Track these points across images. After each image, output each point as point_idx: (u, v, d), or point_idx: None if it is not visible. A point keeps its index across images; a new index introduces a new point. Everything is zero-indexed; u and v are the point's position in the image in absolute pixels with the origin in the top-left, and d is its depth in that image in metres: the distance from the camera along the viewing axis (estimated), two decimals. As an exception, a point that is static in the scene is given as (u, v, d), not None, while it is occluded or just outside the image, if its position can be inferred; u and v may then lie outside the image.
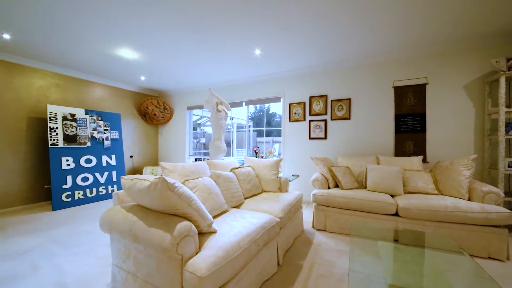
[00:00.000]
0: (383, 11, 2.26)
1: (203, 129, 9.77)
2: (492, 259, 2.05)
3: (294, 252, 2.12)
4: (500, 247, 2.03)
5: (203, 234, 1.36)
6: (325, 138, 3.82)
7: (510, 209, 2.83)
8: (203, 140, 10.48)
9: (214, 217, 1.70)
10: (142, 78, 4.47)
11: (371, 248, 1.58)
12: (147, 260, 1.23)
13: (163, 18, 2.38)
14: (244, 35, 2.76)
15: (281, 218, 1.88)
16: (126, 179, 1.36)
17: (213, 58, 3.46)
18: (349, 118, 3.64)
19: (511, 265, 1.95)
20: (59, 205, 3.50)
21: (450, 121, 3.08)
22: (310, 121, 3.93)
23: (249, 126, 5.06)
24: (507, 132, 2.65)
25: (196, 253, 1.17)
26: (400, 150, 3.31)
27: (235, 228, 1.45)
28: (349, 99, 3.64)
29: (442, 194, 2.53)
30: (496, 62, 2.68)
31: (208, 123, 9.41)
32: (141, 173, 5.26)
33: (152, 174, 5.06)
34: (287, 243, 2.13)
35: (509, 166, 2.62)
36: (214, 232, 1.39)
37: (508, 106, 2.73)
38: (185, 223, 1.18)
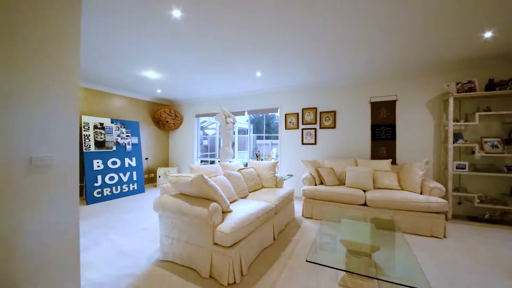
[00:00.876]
0: (362, 48, 2.88)
1: (204, 131, 10.46)
2: (433, 237, 2.75)
3: (286, 232, 2.82)
4: (439, 228, 2.73)
5: (223, 212, 2.05)
6: (315, 143, 4.52)
7: (459, 203, 3.54)
8: (205, 142, 11.18)
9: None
10: (159, 91, 5.16)
11: (337, 225, 2.27)
12: (189, 228, 1.92)
13: (182, 47, 2.94)
14: (248, 62, 3.45)
15: (276, 205, 2.58)
16: (172, 176, 2.06)
17: (221, 77, 4.16)
18: (334, 127, 4.35)
19: (446, 241, 2.64)
20: (91, 200, 4.18)
21: (415, 131, 3.79)
22: (302, 129, 4.64)
23: (250, 130, 5.74)
24: (455, 141, 3.36)
25: (221, 222, 1.87)
26: (375, 154, 4.01)
27: (244, 210, 2.14)
28: (334, 111, 4.35)
29: (402, 190, 3.23)
30: (448, 85, 3.39)
31: (211, 126, 10.13)
32: (155, 174, 5.94)
33: (165, 174, 5.75)
34: (281, 226, 2.83)
35: (456, 168, 3.32)
36: (231, 211, 2.08)
37: (457, 121, 3.44)
38: (214, 204, 1.88)
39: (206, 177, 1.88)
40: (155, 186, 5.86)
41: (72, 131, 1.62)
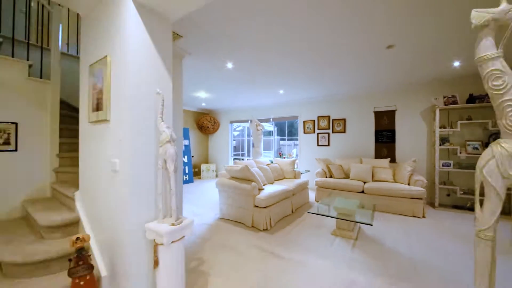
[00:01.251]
0: (368, 71, 3.92)
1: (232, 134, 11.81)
2: (414, 216, 3.64)
3: (301, 209, 3.96)
4: (419, 210, 3.62)
5: (259, 190, 3.27)
6: (328, 145, 5.53)
7: (448, 194, 4.29)
8: (233, 143, 12.61)
9: (261, 186, 3.61)
10: (203, 104, 6.62)
11: (334, 201, 3.34)
12: (240, 198, 3.19)
13: (227, 79, 4.33)
14: (273, 85, 4.64)
15: (293, 189, 3.73)
16: (227, 166, 3.35)
17: (252, 94, 5.41)
18: (344, 132, 5.32)
19: (423, 220, 3.52)
20: (159, 186, 5.75)
21: (411, 135, 4.61)
22: (318, 133, 5.67)
23: (274, 133, 6.91)
24: (442, 144, 4.15)
25: (258, 194, 3.09)
26: (378, 154, 4.91)
27: (272, 189, 3.34)
28: (344, 119, 5.32)
29: (395, 182, 4.13)
30: (435, 99, 4.19)
31: (239, 128, 11.56)
32: (199, 168, 7.45)
33: (207, 169, 7.22)
34: (297, 204, 3.97)
35: (442, 165, 4.10)
36: (263, 189, 3.29)
37: (444, 127, 4.20)
38: (254, 183, 3.11)
39: (249, 167, 3.13)
40: (200, 178, 7.36)
41: (181, 137, 2.97)
